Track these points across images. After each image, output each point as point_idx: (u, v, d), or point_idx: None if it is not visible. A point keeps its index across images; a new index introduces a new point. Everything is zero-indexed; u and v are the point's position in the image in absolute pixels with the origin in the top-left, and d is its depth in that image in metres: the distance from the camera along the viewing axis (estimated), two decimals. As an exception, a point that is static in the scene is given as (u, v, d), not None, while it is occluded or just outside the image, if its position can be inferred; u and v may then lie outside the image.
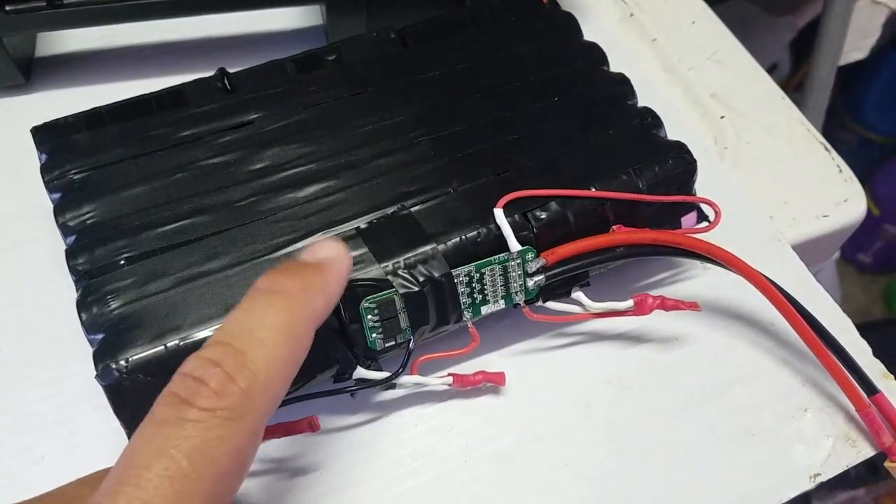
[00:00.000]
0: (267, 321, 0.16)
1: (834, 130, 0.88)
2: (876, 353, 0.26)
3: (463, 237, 0.22)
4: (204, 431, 0.14)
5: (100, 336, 0.20)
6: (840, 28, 0.52)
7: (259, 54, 0.32)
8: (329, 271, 0.17)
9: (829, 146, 0.32)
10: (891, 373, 0.26)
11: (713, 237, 0.24)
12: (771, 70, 0.79)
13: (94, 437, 0.23)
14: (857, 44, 0.59)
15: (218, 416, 0.14)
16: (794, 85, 0.80)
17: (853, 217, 0.30)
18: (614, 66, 0.27)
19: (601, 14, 0.36)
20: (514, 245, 0.22)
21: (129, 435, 0.20)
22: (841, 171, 0.31)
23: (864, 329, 0.27)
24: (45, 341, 0.25)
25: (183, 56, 0.33)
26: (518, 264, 0.22)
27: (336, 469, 0.23)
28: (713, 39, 0.35)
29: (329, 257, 0.18)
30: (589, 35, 0.28)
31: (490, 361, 0.25)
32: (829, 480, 0.24)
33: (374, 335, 0.21)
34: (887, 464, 0.24)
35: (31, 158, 0.24)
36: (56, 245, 0.23)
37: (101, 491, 0.14)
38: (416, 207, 0.23)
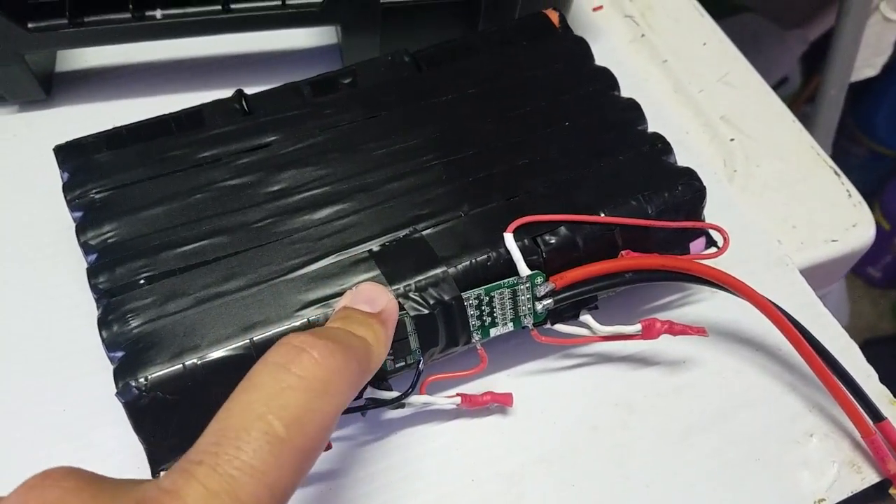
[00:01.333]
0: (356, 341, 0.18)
1: (845, 144, 0.88)
2: (882, 368, 0.26)
3: (473, 261, 0.22)
4: (303, 403, 0.15)
5: (120, 354, 0.20)
6: (851, 46, 0.52)
7: (275, 72, 0.33)
8: (390, 322, 0.20)
9: (838, 170, 0.32)
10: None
11: (721, 260, 0.25)
12: (782, 83, 0.79)
13: (110, 450, 0.23)
14: (869, 61, 0.59)
15: (314, 389, 0.15)
16: (804, 98, 0.80)
17: (862, 242, 0.30)
18: (625, 87, 0.28)
19: (613, 34, 0.36)
20: (524, 269, 0.22)
21: (148, 450, 0.20)
22: (850, 195, 0.31)
23: (873, 344, 0.27)
24: (64, 354, 0.25)
25: (200, 73, 0.33)
26: (527, 288, 0.22)
27: (346, 485, 0.23)
28: (724, 61, 0.36)
29: (387, 308, 0.20)
30: (600, 55, 0.28)
31: (498, 381, 0.25)
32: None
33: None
34: (892, 491, 0.24)
35: (53, 172, 0.25)
36: (76, 259, 0.23)
37: (200, 454, 0.14)
38: (428, 231, 0.23)
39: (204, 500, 0.13)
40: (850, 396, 0.24)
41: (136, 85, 0.33)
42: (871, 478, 0.24)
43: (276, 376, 0.15)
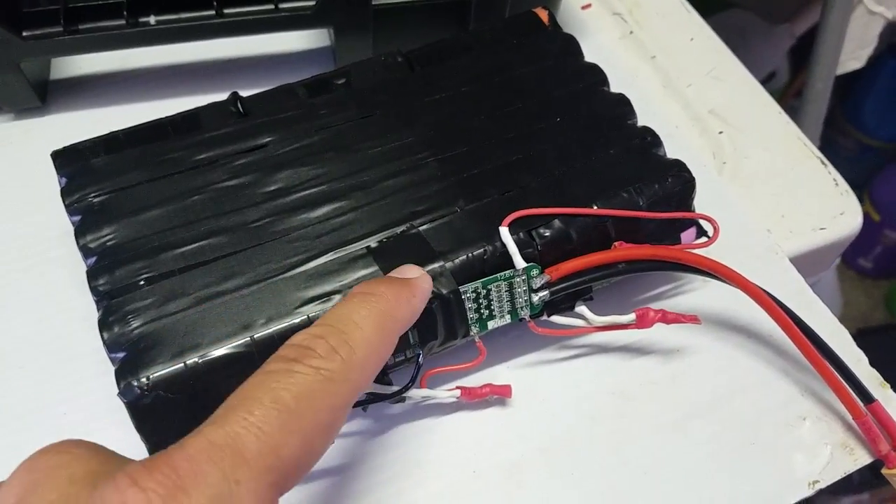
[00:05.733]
0: (363, 312, 0.18)
1: (834, 136, 0.89)
2: (875, 358, 0.27)
3: (470, 255, 0.23)
4: (311, 383, 0.16)
5: (121, 354, 0.21)
6: (837, 39, 0.53)
7: (270, 75, 0.33)
8: (415, 287, 0.20)
9: (825, 160, 0.32)
10: (889, 379, 0.26)
11: (712, 250, 0.25)
12: (770, 78, 0.80)
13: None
14: (854, 53, 0.59)
15: (322, 375, 0.16)
16: (792, 93, 0.81)
17: (849, 229, 0.31)
18: (614, 84, 0.28)
19: (602, 32, 0.37)
20: (520, 262, 0.23)
21: (150, 450, 0.21)
22: (837, 184, 0.32)
23: (865, 334, 0.27)
24: (66, 358, 0.25)
25: (195, 78, 0.34)
26: (523, 280, 0.23)
27: (347, 479, 0.23)
28: (711, 56, 0.36)
29: (415, 276, 0.21)
30: (590, 52, 0.29)
31: (497, 373, 0.26)
32: (834, 485, 0.24)
33: (384, 351, 0.22)
34: (884, 471, 0.24)
35: (50, 179, 0.25)
36: (76, 263, 0.24)
37: (212, 419, 0.15)
38: (425, 226, 0.23)
39: (206, 452, 0.14)
40: (841, 380, 0.24)
41: (131, 91, 0.33)
42: (863, 459, 0.25)
43: (288, 365, 0.16)
